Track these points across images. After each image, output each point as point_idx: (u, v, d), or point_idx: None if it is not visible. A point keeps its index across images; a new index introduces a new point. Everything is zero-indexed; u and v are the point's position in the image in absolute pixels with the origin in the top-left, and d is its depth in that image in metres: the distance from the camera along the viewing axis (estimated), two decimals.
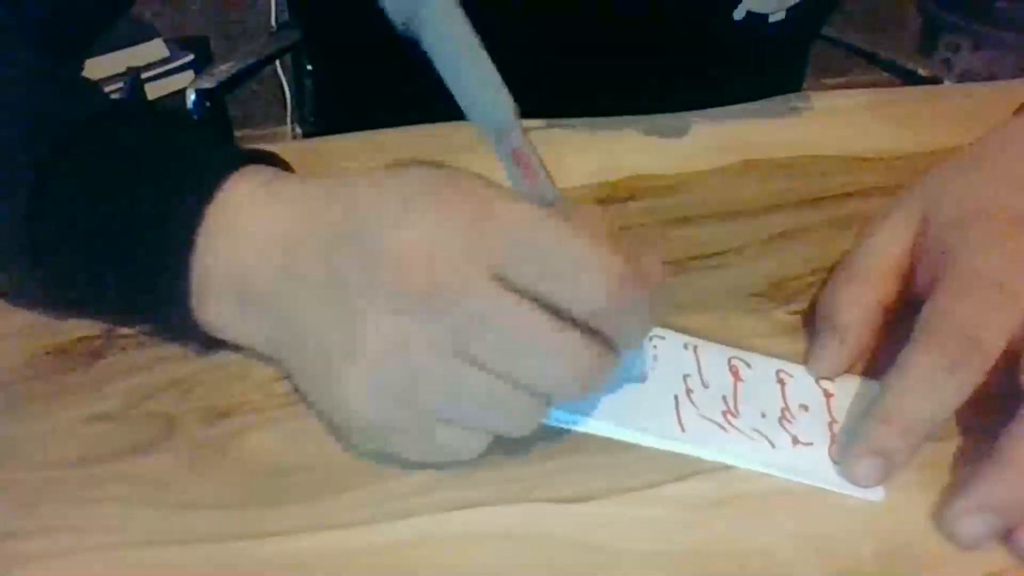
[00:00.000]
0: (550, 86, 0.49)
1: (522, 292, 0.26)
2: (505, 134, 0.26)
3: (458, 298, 0.26)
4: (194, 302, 0.30)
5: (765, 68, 0.55)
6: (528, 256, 0.26)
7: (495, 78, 0.25)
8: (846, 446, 0.30)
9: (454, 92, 0.25)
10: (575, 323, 0.26)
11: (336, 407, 0.28)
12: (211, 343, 0.32)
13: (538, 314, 0.26)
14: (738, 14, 0.50)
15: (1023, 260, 0.30)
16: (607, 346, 0.27)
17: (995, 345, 0.29)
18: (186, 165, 0.31)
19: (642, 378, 0.33)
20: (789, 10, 0.51)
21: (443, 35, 0.24)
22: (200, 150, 0.32)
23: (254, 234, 0.29)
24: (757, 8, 0.50)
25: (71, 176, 0.31)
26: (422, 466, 0.29)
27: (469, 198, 0.27)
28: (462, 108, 0.25)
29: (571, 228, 0.26)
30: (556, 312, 0.26)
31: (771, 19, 0.51)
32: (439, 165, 0.28)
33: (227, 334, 0.31)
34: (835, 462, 0.30)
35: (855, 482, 0.29)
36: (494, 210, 0.26)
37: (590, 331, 0.26)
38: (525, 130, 0.26)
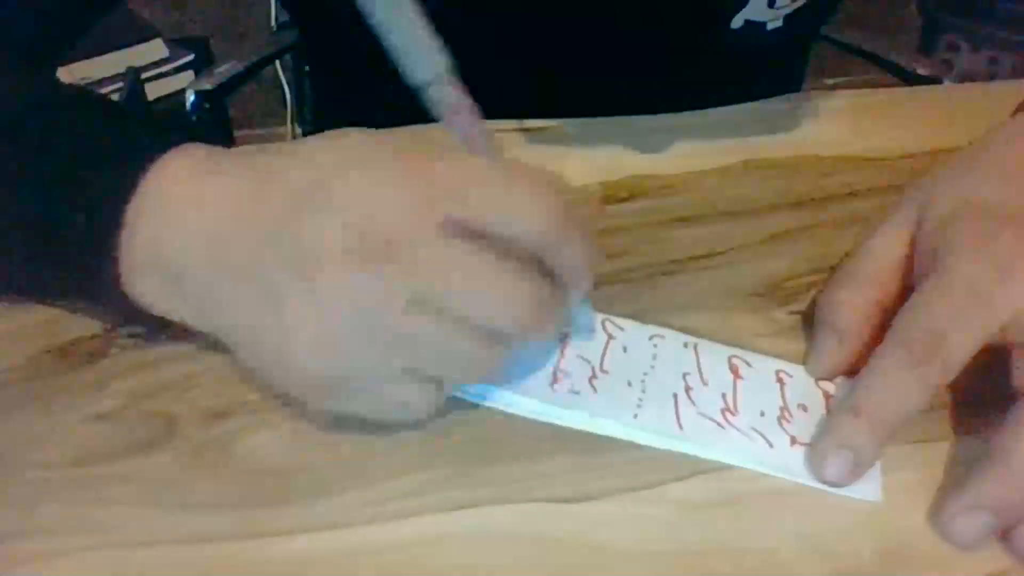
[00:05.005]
0: (548, 91, 0.49)
1: (468, 237, 0.27)
2: (436, 87, 0.26)
3: (408, 253, 0.26)
4: (125, 282, 0.30)
5: (764, 72, 0.55)
6: (470, 201, 0.27)
7: (425, 33, 0.25)
8: (815, 441, 0.31)
9: (388, 48, 0.25)
10: (522, 261, 0.27)
11: (289, 373, 0.28)
12: (157, 321, 0.32)
13: (487, 255, 0.27)
14: (736, 22, 0.50)
15: (1005, 261, 0.30)
16: (555, 284, 0.29)
17: (962, 347, 0.29)
18: (117, 146, 0.31)
19: (588, 328, 0.34)
20: (787, 17, 0.51)
21: None
22: (133, 130, 0.33)
23: (184, 215, 0.29)
24: (755, 16, 0.50)
25: (9, 159, 0.31)
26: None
27: (404, 156, 0.28)
28: (396, 65, 0.26)
29: (507, 168, 0.27)
30: (504, 252, 0.27)
31: (769, 26, 0.51)
32: (370, 131, 0.29)
33: (154, 309, 0.31)
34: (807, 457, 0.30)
35: (822, 476, 0.30)
36: (429, 162, 0.27)
37: (538, 268, 0.28)
38: (458, 85, 0.27)
